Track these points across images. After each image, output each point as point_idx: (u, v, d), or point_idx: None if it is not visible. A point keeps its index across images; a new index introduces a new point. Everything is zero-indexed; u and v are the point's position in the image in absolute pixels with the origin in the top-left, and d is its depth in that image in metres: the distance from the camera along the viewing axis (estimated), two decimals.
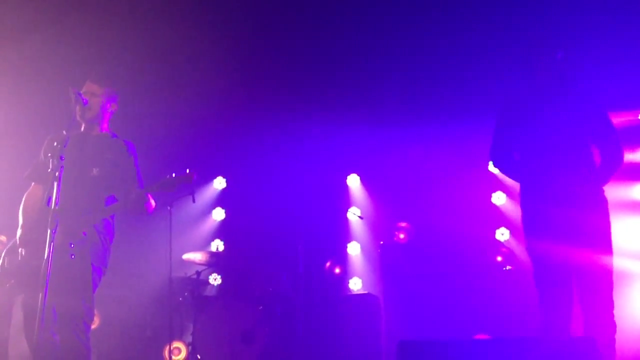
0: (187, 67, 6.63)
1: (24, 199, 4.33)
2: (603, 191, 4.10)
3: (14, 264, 4.07)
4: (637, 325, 5.62)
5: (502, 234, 7.10)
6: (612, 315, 3.92)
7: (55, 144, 3.74)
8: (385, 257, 6.86)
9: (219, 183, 7.84)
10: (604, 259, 3.95)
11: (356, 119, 7.17)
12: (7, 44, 6.02)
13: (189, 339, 6.14)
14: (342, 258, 7.51)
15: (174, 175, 4.15)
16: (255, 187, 7.59)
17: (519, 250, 6.75)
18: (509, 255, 6.86)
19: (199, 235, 7.61)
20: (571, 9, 5.78)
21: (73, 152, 4.02)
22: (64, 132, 3.85)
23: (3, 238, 5.24)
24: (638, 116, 6.40)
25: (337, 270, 7.18)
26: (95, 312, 4.22)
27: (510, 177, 4.48)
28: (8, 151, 6.08)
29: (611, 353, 3.85)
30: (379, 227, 7.42)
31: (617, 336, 3.92)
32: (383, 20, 6.43)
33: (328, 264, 7.19)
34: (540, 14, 5.87)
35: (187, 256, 6.53)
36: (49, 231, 3.52)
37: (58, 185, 3.61)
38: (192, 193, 4.46)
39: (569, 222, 3.95)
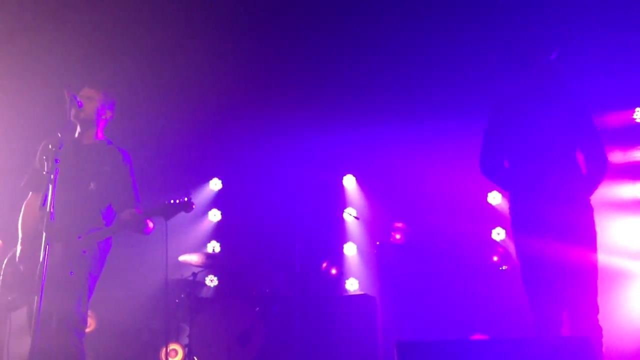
0: (182, 68, 6.62)
1: (22, 211, 4.33)
2: (589, 199, 4.14)
3: (15, 277, 4.09)
4: (634, 324, 5.65)
5: (498, 234, 7.11)
6: (597, 319, 3.95)
7: (50, 146, 3.75)
8: (381, 258, 6.85)
9: (215, 184, 7.83)
10: (588, 261, 4.00)
11: (352, 119, 7.17)
12: (1, 45, 6.00)
13: (186, 340, 6.12)
14: (338, 259, 7.51)
15: (173, 201, 4.18)
16: (251, 188, 7.59)
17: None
18: (505, 255, 6.87)
19: (195, 236, 7.60)
20: (566, 8, 5.79)
21: (69, 162, 4.01)
22: (59, 134, 3.84)
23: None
24: (633, 115, 6.42)
25: (334, 271, 7.18)
26: (91, 314, 4.24)
27: (499, 185, 4.50)
28: (2, 154, 6.06)
29: (600, 355, 3.87)
30: (375, 227, 7.42)
31: (610, 337, 3.95)
32: (378, 20, 6.44)
33: (324, 264, 7.19)
34: (535, 14, 5.88)
35: (183, 258, 6.52)
36: (44, 234, 3.52)
37: (53, 188, 3.60)
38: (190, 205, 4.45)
39: (555, 224, 3.99)
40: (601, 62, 6.06)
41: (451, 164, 6.95)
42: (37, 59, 6.11)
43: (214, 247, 7.63)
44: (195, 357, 5.93)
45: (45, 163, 3.68)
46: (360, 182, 7.77)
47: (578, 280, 3.98)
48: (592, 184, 4.15)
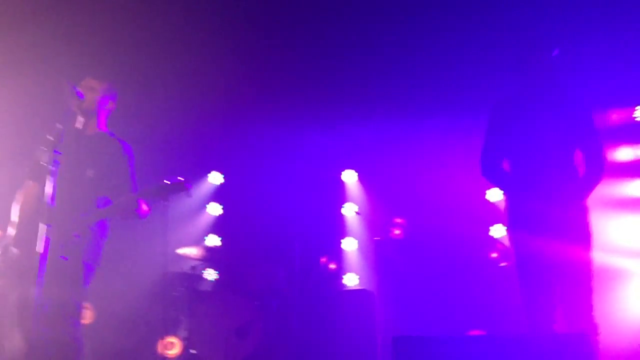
0: (182, 62, 6.61)
1: (20, 197, 4.31)
2: (585, 200, 4.15)
3: (6, 263, 4.07)
4: (630, 322, 5.65)
5: (497, 231, 7.11)
6: (593, 316, 3.95)
7: (50, 137, 3.74)
8: (380, 253, 6.87)
9: (215, 178, 7.83)
10: (584, 259, 4.00)
11: (353, 115, 7.17)
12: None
13: (184, 333, 6.13)
14: (337, 254, 7.51)
15: (168, 182, 4.13)
16: (251, 182, 7.59)
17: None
18: (504, 252, 6.87)
19: (195, 230, 7.60)
20: (566, 5, 5.78)
21: (69, 150, 4.00)
22: (59, 125, 3.83)
23: None
24: (633, 114, 6.42)
25: (333, 266, 7.19)
26: (90, 306, 4.23)
27: (498, 187, 4.51)
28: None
29: (596, 353, 3.88)
30: (375, 223, 7.42)
31: (606, 334, 3.96)
32: (379, 16, 6.42)
33: (323, 259, 7.20)
34: (536, 11, 5.87)
35: (182, 251, 6.53)
36: (41, 226, 3.50)
37: (53, 180, 3.60)
38: (189, 189, 4.41)
39: (551, 222, 4.00)
40: (602, 60, 6.05)
41: (451, 160, 6.95)
42: (36, 51, 6.10)
43: (213, 240, 7.63)
44: (193, 350, 5.93)
45: (46, 154, 3.67)
46: (360, 177, 7.77)
47: (573, 278, 3.99)
48: (589, 186, 4.15)
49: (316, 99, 7.08)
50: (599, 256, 4.10)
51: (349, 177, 7.77)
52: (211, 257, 6.61)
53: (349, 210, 7.42)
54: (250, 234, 7.36)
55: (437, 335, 4.21)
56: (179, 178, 4.16)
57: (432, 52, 6.53)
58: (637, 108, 6.41)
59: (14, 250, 4.06)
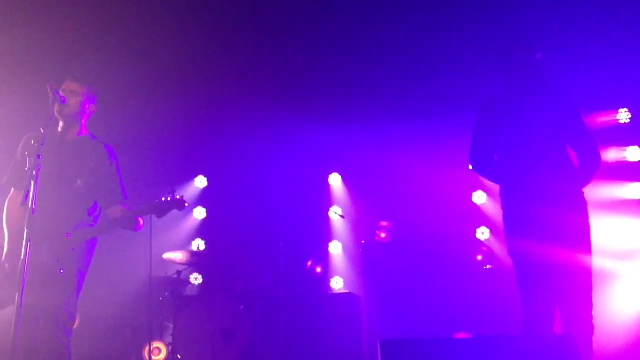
0: (168, 66, 6.59)
1: (5, 208, 4.25)
2: (582, 193, 4.13)
3: (1, 276, 4.04)
4: (616, 324, 5.69)
5: (483, 233, 7.14)
6: (591, 317, 3.94)
7: (32, 142, 3.70)
8: (366, 256, 6.86)
9: (200, 182, 7.80)
10: (584, 260, 3.97)
11: (338, 118, 7.18)
12: None
13: (169, 339, 6.10)
14: (323, 257, 7.51)
15: (165, 199, 4.14)
16: (236, 185, 7.57)
17: (499, 249, 6.79)
18: (489, 254, 6.90)
19: (180, 234, 7.57)
20: (551, 7, 5.81)
21: (52, 158, 3.97)
22: (41, 130, 3.79)
23: None
24: (617, 116, 6.47)
25: (319, 270, 7.18)
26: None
27: (489, 179, 4.48)
28: None
29: (589, 354, 3.87)
30: (361, 226, 7.42)
31: (597, 336, 3.94)
32: (366, 20, 6.43)
33: (309, 263, 7.19)
34: (521, 13, 5.90)
35: (167, 255, 6.49)
36: (26, 231, 3.48)
37: (35, 184, 3.56)
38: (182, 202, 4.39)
39: (549, 222, 3.96)
40: (585, 63, 6.09)
41: (437, 163, 6.97)
42: (20, 53, 6.05)
43: (198, 244, 7.61)
44: (179, 355, 5.90)
45: (28, 159, 3.62)
46: (345, 180, 7.77)
47: (572, 277, 3.94)
48: (586, 176, 4.10)
49: (301, 103, 7.08)
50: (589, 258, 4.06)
51: (335, 180, 7.78)
52: (197, 261, 6.58)
53: (335, 214, 7.42)
54: (236, 238, 7.34)
55: (423, 338, 4.21)
56: (177, 196, 4.16)
57: (418, 56, 6.56)
58: (620, 111, 6.47)
59: (6, 265, 4.04)
